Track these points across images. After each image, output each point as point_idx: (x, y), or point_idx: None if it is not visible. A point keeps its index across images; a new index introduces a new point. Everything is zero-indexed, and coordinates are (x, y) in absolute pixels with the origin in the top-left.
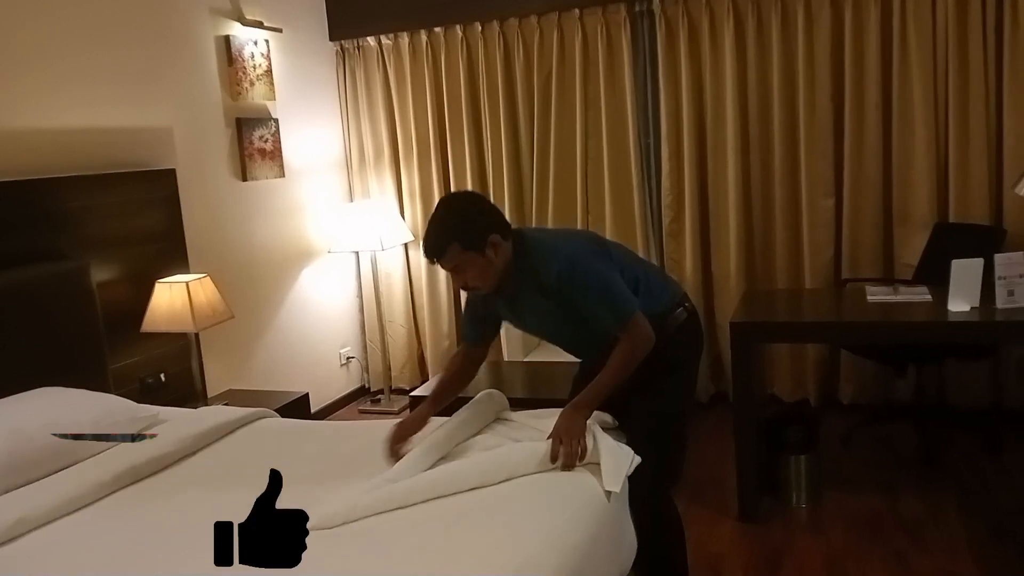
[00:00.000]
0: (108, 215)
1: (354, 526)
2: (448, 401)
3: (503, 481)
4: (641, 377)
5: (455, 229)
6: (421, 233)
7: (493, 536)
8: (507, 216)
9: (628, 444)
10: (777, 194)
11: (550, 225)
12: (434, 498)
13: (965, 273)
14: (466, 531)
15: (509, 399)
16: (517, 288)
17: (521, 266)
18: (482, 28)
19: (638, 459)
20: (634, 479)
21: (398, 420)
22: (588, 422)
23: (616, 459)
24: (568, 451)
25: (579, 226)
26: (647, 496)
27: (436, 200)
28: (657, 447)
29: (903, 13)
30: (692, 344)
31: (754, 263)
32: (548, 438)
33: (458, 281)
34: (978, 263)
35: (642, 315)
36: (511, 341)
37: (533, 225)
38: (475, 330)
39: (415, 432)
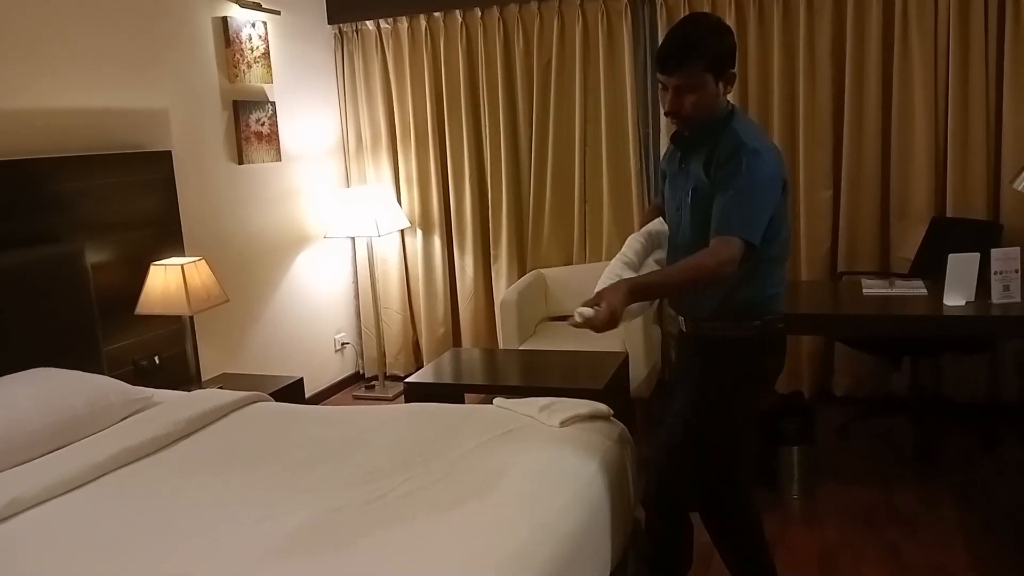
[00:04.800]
0: (103, 197)
1: (345, 512)
2: None
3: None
4: (698, 384)
5: (709, 47)
6: (418, 219)
7: (486, 524)
8: (503, 202)
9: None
10: None
11: (547, 213)
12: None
13: (961, 267)
14: (459, 519)
15: (503, 387)
16: (697, 143)
17: (718, 124)
18: (482, 14)
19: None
20: (651, 482)
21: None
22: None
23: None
24: (598, 312)
25: (575, 215)
26: (660, 501)
27: (433, 187)
28: (669, 453)
29: (905, 7)
30: (770, 360)
31: None
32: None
33: (676, 103)
34: (974, 258)
35: (744, 248)
36: (506, 329)
37: (531, 211)
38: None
39: None
